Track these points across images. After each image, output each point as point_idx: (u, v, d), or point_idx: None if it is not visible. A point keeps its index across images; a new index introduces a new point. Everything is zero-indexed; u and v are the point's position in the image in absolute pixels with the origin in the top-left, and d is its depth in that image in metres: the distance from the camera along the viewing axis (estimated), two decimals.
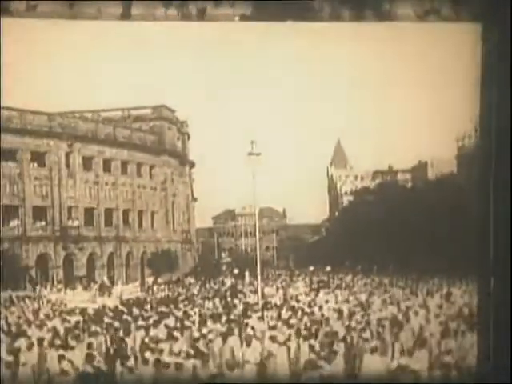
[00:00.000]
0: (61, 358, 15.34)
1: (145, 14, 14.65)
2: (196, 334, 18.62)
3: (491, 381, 13.67)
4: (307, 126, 42.13)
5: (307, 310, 24.95)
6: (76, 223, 45.49)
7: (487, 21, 14.14)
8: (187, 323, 21.18)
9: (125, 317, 23.54)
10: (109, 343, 18.44)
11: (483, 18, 14.20)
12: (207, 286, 43.43)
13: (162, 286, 43.11)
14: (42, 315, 26.44)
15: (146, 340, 18.00)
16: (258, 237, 39.55)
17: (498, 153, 14.04)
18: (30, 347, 16.96)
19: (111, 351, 17.02)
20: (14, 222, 43.39)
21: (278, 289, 37.97)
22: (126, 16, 14.67)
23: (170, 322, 21.49)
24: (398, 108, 37.94)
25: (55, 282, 43.23)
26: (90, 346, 17.33)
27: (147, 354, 15.78)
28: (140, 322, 21.31)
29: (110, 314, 25.36)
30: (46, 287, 41.23)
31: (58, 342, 17.85)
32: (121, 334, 19.44)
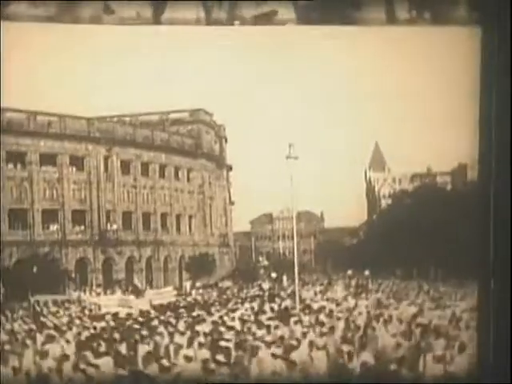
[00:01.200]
0: (86, 362, 15.33)
1: (177, 17, 14.61)
2: (224, 343, 18.31)
3: (491, 381, 13.51)
4: (345, 129, 41.82)
5: (346, 314, 24.71)
6: (114, 227, 45.72)
7: (487, 25, 14.01)
8: (221, 328, 21.00)
9: (155, 322, 23.45)
10: (136, 348, 18.28)
11: (483, 22, 14.07)
12: (244, 289, 43.37)
13: (200, 290, 43.14)
14: (74, 319, 26.50)
15: (173, 345, 17.84)
16: (295, 240, 39.33)
17: (498, 153, 13.87)
18: (59, 352, 16.97)
19: (138, 356, 16.90)
20: (54, 226, 43.77)
21: (315, 293, 37.76)
22: (159, 20, 14.65)
23: (204, 327, 21.32)
24: (436, 109, 37.49)
25: (94, 286, 43.51)
26: (116, 351, 17.28)
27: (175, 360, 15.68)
28: (170, 328, 21.15)
29: (140, 318, 25.27)
30: (84, 291, 41.50)
31: (85, 346, 17.84)
32: (148, 339, 19.32)
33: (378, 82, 38.34)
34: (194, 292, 43.21)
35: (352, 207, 48.93)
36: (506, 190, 13.94)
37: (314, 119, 42.95)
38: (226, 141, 53.90)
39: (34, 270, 40.31)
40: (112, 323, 24.32)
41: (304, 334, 19.39)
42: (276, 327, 21.31)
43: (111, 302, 32.04)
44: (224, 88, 41.57)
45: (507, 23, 13.78)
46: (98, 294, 40.69)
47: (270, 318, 24.17)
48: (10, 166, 42.42)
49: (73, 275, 43.28)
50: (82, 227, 44.91)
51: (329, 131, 43.27)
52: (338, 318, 23.50)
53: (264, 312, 27.45)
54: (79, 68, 39.17)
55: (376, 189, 54.74)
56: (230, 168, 54.31)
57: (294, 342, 18.13)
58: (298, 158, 36.09)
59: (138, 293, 38.10)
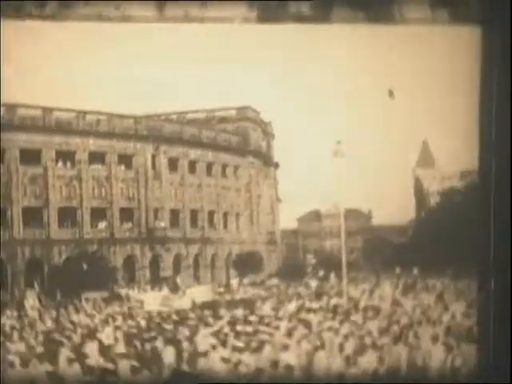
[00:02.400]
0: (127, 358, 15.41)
1: (223, 16, 14.62)
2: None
3: (491, 381, 13.42)
4: (393, 126, 41.44)
5: (394, 312, 24.52)
6: (162, 224, 46.00)
7: (487, 24, 13.89)
8: (264, 328, 20.91)
9: (196, 321, 23.45)
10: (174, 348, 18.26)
11: (484, 22, 13.94)
12: (292, 287, 43.23)
13: (247, 288, 43.15)
14: (120, 316, 26.62)
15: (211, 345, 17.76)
16: (343, 238, 39.11)
17: (498, 153, 13.73)
18: (98, 350, 17.06)
19: (176, 356, 16.90)
20: (102, 224, 44.22)
21: (363, 291, 37.48)
22: (204, 19, 14.70)
23: (247, 326, 21.24)
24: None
25: (142, 284, 43.83)
26: (152, 351, 17.33)
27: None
28: (209, 329, 21.10)
29: (182, 317, 25.29)
30: (132, 288, 41.81)
31: (121, 346, 17.92)
32: (186, 338, 19.30)
33: (432, 79, 37.92)
34: (241, 289, 43.24)
35: (400, 205, 48.47)
36: (507, 190, 13.78)
37: (362, 116, 42.64)
38: (273, 138, 53.84)
39: (84, 267, 40.79)
40: (153, 321, 24.42)
41: (351, 332, 19.30)
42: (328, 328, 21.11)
43: (155, 301, 32.13)
44: (271, 86, 41.53)
45: (507, 23, 13.67)
46: (145, 291, 40.95)
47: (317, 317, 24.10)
48: (60, 164, 42.96)
49: (121, 273, 43.68)
50: (130, 225, 45.28)
51: (377, 128, 42.93)
52: (385, 317, 23.32)
53: (311, 310, 27.37)
54: (126, 67, 39.48)
55: (424, 186, 54.17)
56: (277, 165, 54.23)
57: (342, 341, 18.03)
58: (346, 155, 35.89)
59: (183, 291, 38.25)
